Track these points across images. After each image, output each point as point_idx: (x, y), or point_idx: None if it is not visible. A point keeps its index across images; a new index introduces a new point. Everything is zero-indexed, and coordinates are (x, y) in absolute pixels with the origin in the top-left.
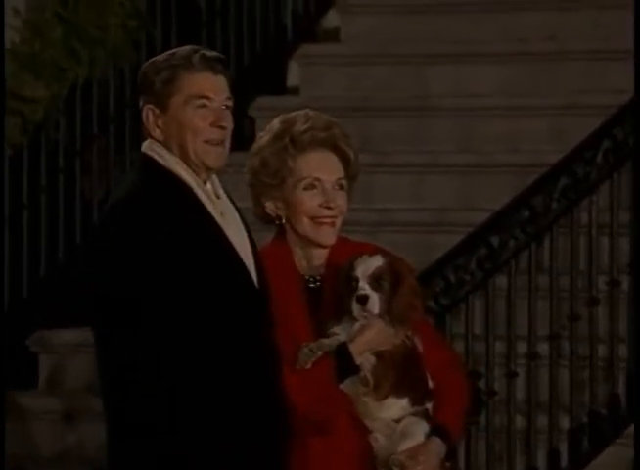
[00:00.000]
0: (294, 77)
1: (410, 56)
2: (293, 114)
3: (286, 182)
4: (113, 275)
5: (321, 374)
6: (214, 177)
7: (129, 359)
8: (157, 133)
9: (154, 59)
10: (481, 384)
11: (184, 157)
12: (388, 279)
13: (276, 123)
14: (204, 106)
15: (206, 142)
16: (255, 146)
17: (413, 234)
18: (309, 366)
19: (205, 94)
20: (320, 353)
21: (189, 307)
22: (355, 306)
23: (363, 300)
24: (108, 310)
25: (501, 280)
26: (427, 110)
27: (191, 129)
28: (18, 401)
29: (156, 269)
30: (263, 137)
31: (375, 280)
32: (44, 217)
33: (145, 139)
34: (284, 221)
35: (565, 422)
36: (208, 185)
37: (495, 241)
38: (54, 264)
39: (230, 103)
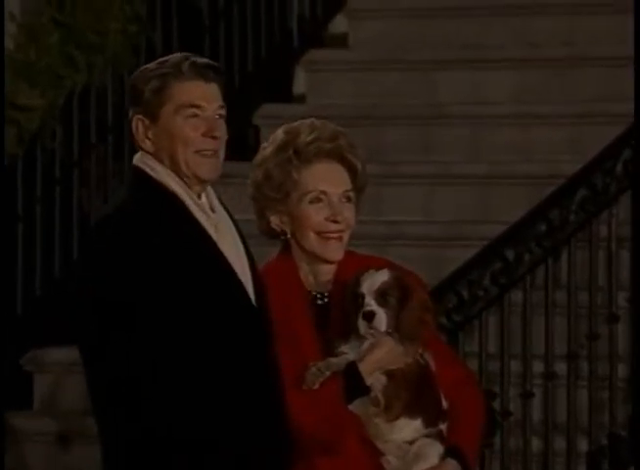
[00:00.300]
0: (300, 84)
1: (420, 62)
2: (297, 123)
3: (290, 196)
4: (102, 293)
5: (329, 394)
6: (210, 189)
7: (120, 380)
8: (147, 145)
9: (143, 67)
10: (496, 404)
11: (175, 169)
12: (396, 294)
13: (280, 134)
14: (195, 115)
15: (198, 153)
16: (258, 158)
17: (424, 248)
18: (317, 386)
19: (196, 103)
20: (328, 373)
21: (181, 324)
22: (361, 324)
23: (369, 316)
24: (98, 328)
25: (516, 296)
26: (437, 118)
27: (182, 140)
28: (11, 423)
29: (146, 285)
30: (267, 148)
31: (381, 295)
32: (39, 231)
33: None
34: (289, 236)
35: (583, 445)
36: (203, 198)
37: (510, 255)
38: (50, 280)
39: (223, 112)
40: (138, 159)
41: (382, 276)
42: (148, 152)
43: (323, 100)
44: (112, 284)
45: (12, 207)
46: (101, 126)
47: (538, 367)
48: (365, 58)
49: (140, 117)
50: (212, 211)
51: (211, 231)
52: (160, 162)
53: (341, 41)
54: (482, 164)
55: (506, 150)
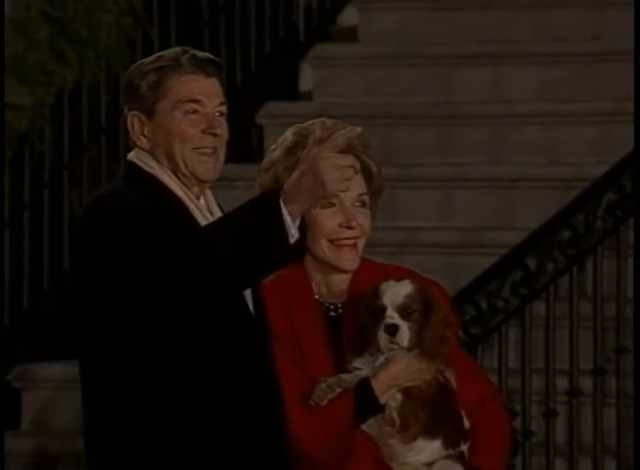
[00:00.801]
0: (306, 81)
1: (436, 57)
2: (307, 123)
3: None
4: (92, 294)
5: (338, 413)
6: (209, 194)
7: (104, 382)
8: (142, 142)
9: (139, 62)
10: (517, 424)
11: (173, 168)
12: (419, 308)
13: (289, 135)
14: (194, 111)
15: (197, 150)
16: (266, 161)
17: (440, 256)
18: (325, 404)
19: (196, 98)
20: (339, 391)
21: (173, 331)
22: (382, 337)
23: (392, 330)
24: (88, 334)
25: (538, 307)
26: (455, 117)
27: (179, 136)
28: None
29: (137, 285)
30: (275, 151)
31: (404, 309)
32: (27, 238)
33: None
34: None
35: (611, 467)
36: (202, 201)
37: (532, 264)
38: (38, 291)
39: (224, 109)
40: (132, 155)
41: (405, 288)
42: (143, 150)
43: (331, 98)
44: (102, 287)
45: None
46: (93, 126)
47: (562, 384)
48: (377, 53)
49: (136, 113)
50: (211, 214)
51: None
52: (157, 160)
53: (350, 35)
54: (503, 167)
55: (528, 151)
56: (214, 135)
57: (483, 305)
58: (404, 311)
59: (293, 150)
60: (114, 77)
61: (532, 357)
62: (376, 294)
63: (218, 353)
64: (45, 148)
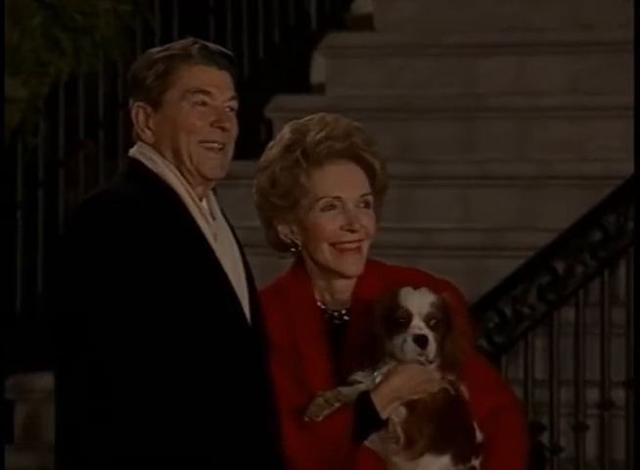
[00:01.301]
0: (318, 73)
1: (458, 46)
2: (306, 120)
3: (300, 203)
4: (75, 299)
5: (334, 429)
6: (211, 196)
7: (92, 395)
8: (147, 135)
9: (146, 52)
10: (544, 438)
11: (178, 163)
12: (441, 317)
13: (286, 133)
14: (203, 103)
15: (203, 144)
16: (263, 160)
17: (461, 259)
18: (321, 419)
19: (206, 89)
20: (337, 405)
21: (166, 338)
22: (411, 348)
23: (422, 341)
24: (72, 346)
25: (567, 314)
26: (478, 111)
27: (186, 128)
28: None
29: (129, 289)
30: (272, 149)
31: (430, 318)
32: (21, 239)
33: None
34: (300, 248)
35: None
36: (204, 203)
37: (560, 267)
38: (32, 295)
39: (235, 104)
40: (135, 150)
41: (428, 296)
42: (148, 143)
43: (345, 90)
44: (86, 282)
45: None
46: (90, 120)
47: (593, 395)
48: (394, 42)
49: (141, 104)
50: (212, 218)
51: (210, 238)
52: (162, 154)
53: (365, 23)
54: (529, 164)
55: (556, 147)
56: (223, 129)
57: (508, 311)
58: (430, 321)
59: (290, 148)
60: (112, 68)
61: (561, 368)
62: (394, 301)
63: (209, 366)
64: (39, 143)
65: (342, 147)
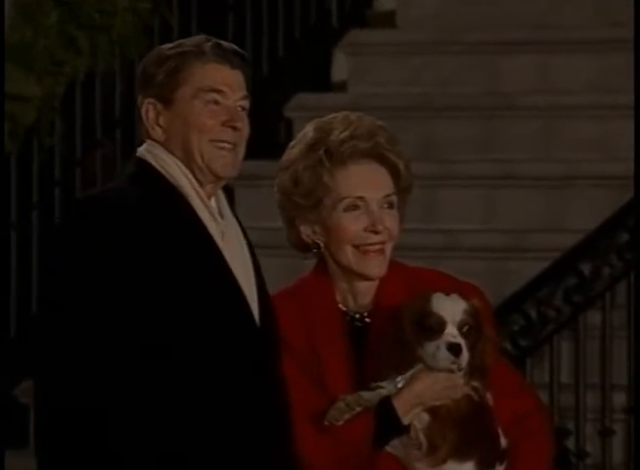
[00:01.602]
0: (340, 71)
1: (481, 44)
2: (328, 118)
3: (323, 203)
4: (67, 298)
5: (354, 434)
6: (220, 194)
7: (85, 398)
8: (157, 133)
9: (157, 48)
10: (570, 444)
11: (188, 162)
12: (472, 324)
13: (309, 131)
14: (215, 102)
15: (214, 143)
16: (285, 159)
17: (485, 261)
18: (341, 423)
19: (218, 88)
20: (358, 409)
21: (169, 339)
22: (444, 356)
23: (456, 349)
24: (60, 342)
25: (594, 317)
26: (502, 109)
27: (197, 127)
28: (4, 464)
29: (129, 289)
30: (294, 148)
31: (462, 326)
32: (36, 239)
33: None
34: (322, 249)
35: None
36: (212, 201)
37: (587, 269)
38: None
39: (246, 104)
40: (142, 149)
41: (460, 303)
42: (157, 141)
43: (367, 88)
44: (81, 283)
45: (4, 212)
46: (107, 119)
47: (619, 400)
48: (416, 39)
49: (151, 100)
50: (221, 217)
51: (217, 238)
52: (171, 152)
53: (387, 20)
54: (554, 164)
55: (582, 146)
56: (234, 129)
57: (533, 314)
58: (462, 328)
59: (313, 147)
60: (129, 66)
61: (587, 371)
62: (428, 308)
63: (213, 367)
64: (55, 143)
65: (367, 146)
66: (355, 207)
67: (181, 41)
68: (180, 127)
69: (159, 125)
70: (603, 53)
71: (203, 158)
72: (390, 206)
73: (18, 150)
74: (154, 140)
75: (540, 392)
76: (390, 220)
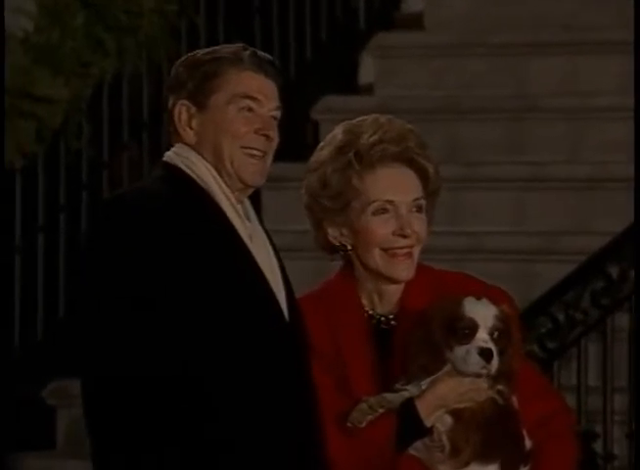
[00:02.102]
0: (367, 73)
1: (509, 46)
2: (358, 121)
3: (351, 205)
4: (107, 292)
5: (377, 435)
6: (246, 200)
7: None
8: (188, 135)
9: (193, 52)
10: (597, 446)
11: (217, 166)
12: (503, 329)
13: (339, 133)
14: (249, 109)
15: (246, 150)
16: (313, 161)
17: (511, 263)
18: (364, 425)
19: (254, 95)
20: (381, 411)
21: (204, 337)
22: (475, 360)
23: (488, 355)
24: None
25: (621, 319)
26: (529, 112)
27: (230, 133)
28: (32, 465)
29: (161, 282)
30: (323, 150)
31: (493, 331)
32: (63, 241)
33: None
34: (350, 251)
35: None
36: (239, 206)
37: (614, 272)
38: (75, 298)
39: (278, 114)
40: (170, 153)
41: (491, 308)
42: (187, 144)
43: (394, 91)
44: (117, 279)
45: (31, 214)
46: (134, 122)
47: None
48: (444, 41)
49: (185, 102)
50: (249, 221)
51: (246, 240)
52: (202, 156)
53: (415, 22)
54: (582, 166)
55: (611, 148)
56: (267, 137)
57: (560, 317)
58: (493, 334)
59: (343, 150)
60: (156, 68)
61: (614, 374)
62: (460, 311)
63: (248, 365)
64: (82, 145)
65: (397, 150)
66: (384, 210)
67: (218, 48)
68: (212, 132)
69: (190, 128)
70: (630, 54)
71: (232, 164)
72: (419, 209)
73: (44, 152)
74: (184, 143)
75: (567, 394)
76: (419, 224)
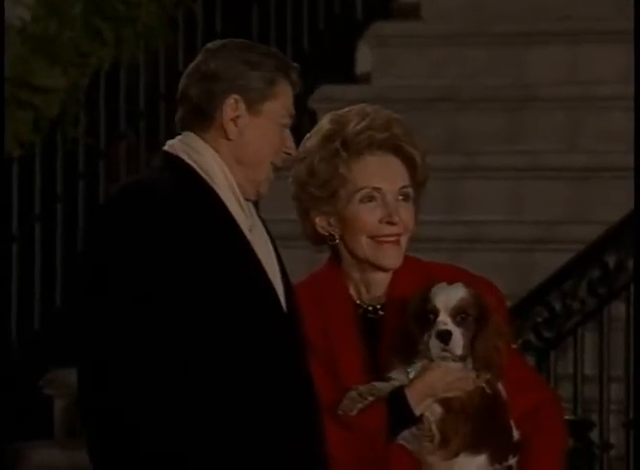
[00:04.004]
0: (364, 62)
1: (508, 35)
2: (345, 111)
3: (338, 194)
4: (107, 286)
5: (368, 424)
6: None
7: (119, 388)
8: (232, 129)
9: (241, 46)
10: (594, 436)
11: (245, 170)
12: (473, 313)
13: (325, 123)
14: (285, 125)
15: (277, 157)
16: (301, 150)
17: (509, 253)
18: (354, 413)
19: (292, 114)
20: (371, 399)
21: (203, 328)
22: (434, 344)
23: (445, 336)
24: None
25: (618, 309)
26: (529, 101)
27: (273, 147)
28: (28, 455)
29: (162, 275)
30: (310, 139)
31: (458, 314)
32: (60, 231)
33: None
34: (337, 241)
35: None
36: (242, 199)
37: (611, 261)
38: (71, 288)
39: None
40: (177, 141)
41: (458, 292)
42: (227, 138)
43: (391, 80)
44: (116, 271)
45: (28, 203)
46: (131, 111)
47: None
48: (442, 31)
49: (237, 97)
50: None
51: (246, 230)
52: (220, 151)
53: (413, 11)
54: (581, 155)
55: (609, 138)
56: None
57: (557, 306)
58: (457, 316)
59: (330, 138)
60: (153, 58)
61: (611, 363)
62: (426, 297)
63: (249, 354)
64: (79, 135)
65: (383, 137)
66: (371, 198)
67: (267, 50)
68: (257, 139)
69: (235, 125)
70: (630, 44)
71: (262, 175)
72: (406, 198)
73: (42, 141)
74: (225, 137)
75: (564, 384)
76: (406, 213)
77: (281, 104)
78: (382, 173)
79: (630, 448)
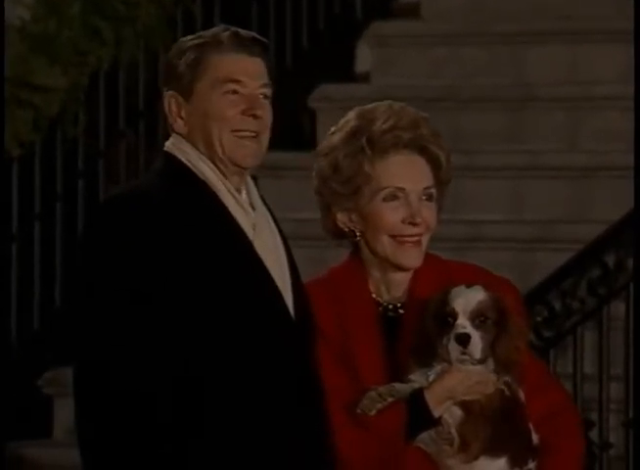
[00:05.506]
0: (364, 62)
1: (508, 35)
2: (372, 107)
3: (362, 191)
4: (103, 293)
5: (387, 425)
6: (251, 185)
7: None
8: (179, 125)
9: (180, 40)
10: (593, 435)
11: (211, 154)
12: (493, 316)
13: (352, 118)
14: (234, 92)
15: (236, 133)
16: (325, 145)
17: (509, 252)
18: (373, 413)
19: (236, 78)
20: (390, 400)
21: (200, 332)
22: (453, 347)
23: (463, 340)
24: (96, 334)
25: (617, 308)
26: (529, 101)
27: (217, 118)
28: (28, 455)
29: (159, 283)
30: (335, 134)
31: (477, 317)
32: (60, 230)
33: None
34: (358, 237)
35: None
36: (243, 194)
37: (611, 260)
38: (71, 288)
39: (268, 92)
40: (169, 143)
41: (477, 294)
42: (180, 134)
43: (391, 80)
44: (116, 272)
45: (28, 202)
46: (131, 111)
47: None
48: (442, 30)
49: (173, 93)
50: (252, 208)
51: (248, 230)
52: (194, 145)
53: (412, 11)
54: (581, 155)
55: (609, 138)
56: (255, 117)
57: (557, 305)
58: (476, 319)
59: (355, 135)
60: (153, 57)
61: (610, 363)
62: (445, 299)
63: (248, 360)
64: (79, 134)
65: (409, 137)
66: (394, 197)
67: (202, 33)
68: (200, 120)
69: (181, 118)
70: (630, 44)
71: (223, 149)
72: (429, 198)
73: (41, 141)
74: (177, 133)
75: (564, 383)
76: (428, 212)
77: (212, 77)
78: (406, 173)
79: (630, 448)
